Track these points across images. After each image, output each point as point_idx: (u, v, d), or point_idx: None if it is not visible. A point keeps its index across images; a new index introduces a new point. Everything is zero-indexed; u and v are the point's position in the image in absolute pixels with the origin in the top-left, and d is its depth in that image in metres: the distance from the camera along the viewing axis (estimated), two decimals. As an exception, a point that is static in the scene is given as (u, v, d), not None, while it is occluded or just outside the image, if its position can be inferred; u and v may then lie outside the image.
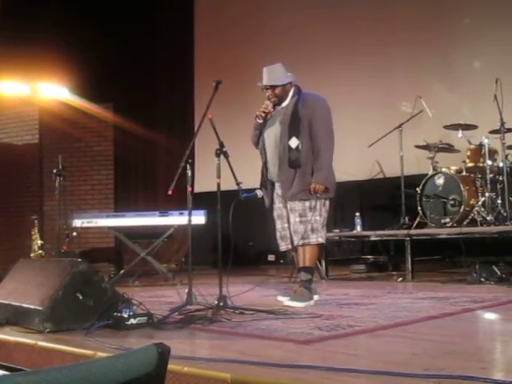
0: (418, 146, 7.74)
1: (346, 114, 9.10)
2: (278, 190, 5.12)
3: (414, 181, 7.63)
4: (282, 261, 7.53)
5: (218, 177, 4.56)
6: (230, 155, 4.62)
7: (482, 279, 6.28)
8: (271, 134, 5.09)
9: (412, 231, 7.14)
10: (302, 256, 5.01)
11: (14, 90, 9.99)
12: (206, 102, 4.69)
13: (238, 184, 4.60)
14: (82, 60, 9.83)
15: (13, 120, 10.83)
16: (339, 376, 2.49)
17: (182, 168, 4.44)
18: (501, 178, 6.96)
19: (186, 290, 4.54)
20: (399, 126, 7.88)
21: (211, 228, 5.85)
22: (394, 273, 7.81)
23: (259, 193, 4.97)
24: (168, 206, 8.03)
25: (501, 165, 7.00)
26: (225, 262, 4.51)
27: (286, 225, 5.10)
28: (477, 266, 6.45)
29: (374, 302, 4.92)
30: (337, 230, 7.99)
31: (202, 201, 7.10)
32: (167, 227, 7.57)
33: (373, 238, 7.64)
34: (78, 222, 7.66)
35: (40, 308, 3.87)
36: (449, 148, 7.62)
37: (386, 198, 8.92)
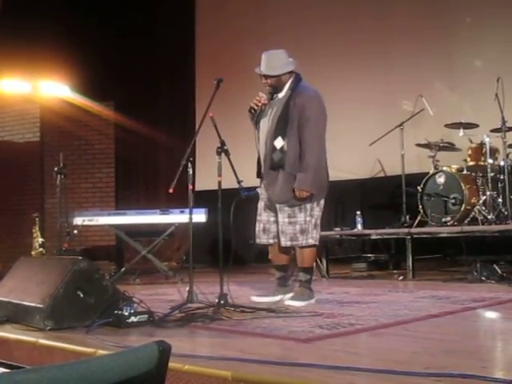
0: (419, 145, 7.74)
1: (347, 113, 9.11)
2: (264, 180, 4.97)
3: (414, 179, 7.63)
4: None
5: (219, 175, 4.55)
6: (231, 153, 4.61)
7: (483, 278, 6.28)
8: (264, 128, 4.91)
9: (413, 230, 7.14)
10: (299, 256, 4.96)
11: (15, 87, 9.99)
12: (207, 100, 4.68)
13: (238, 182, 4.59)
14: (83, 58, 9.82)
15: (14, 118, 10.82)
16: (340, 374, 2.49)
17: (183, 166, 4.44)
18: (502, 177, 6.96)
19: (187, 288, 4.55)
20: (400, 125, 7.87)
21: (212, 226, 5.85)
22: (395, 271, 7.80)
23: (259, 190, 4.93)
24: (169, 204, 8.03)
25: (502, 163, 6.99)
26: (225, 261, 4.51)
27: (272, 219, 4.94)
28: (478, 265, 6.45)
29: (374, 301, 4.92)
30: (338, 229, 8.00)
31: (203, 199, 7.11)
32: (168, 225, 7.57)
33: (374, 237, 7.63)
34: (78, 220, 7.66)
35: (41, 306, 3.88)
36: (450, 147, 7.61)
37: (386, 197, 8.91)
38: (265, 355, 2.89)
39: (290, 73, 4.91)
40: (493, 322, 4.23)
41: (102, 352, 3.03)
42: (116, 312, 3.89)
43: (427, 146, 7.58)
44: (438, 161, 7.49)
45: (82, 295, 3.97)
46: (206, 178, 8.96)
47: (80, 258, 4.26)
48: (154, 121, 10.44)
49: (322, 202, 4.94)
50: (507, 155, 6.94)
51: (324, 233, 7.69)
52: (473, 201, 6.99)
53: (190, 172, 4.56)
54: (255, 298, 4.96)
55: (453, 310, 4.27)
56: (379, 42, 9.08)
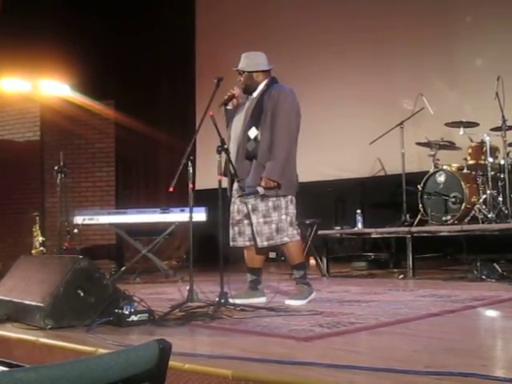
0: (419, 144, 7.74)
1: (347, 112, 9.12)
2: (235, 185, 4.92)
3: (415, 178, 7.63)
4: (283, 258, 7.53)
5: (219, 174, 4.55)
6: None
7: (483, 277, 6.28)
8: (237, 126, 4.92)
9: (413, 228, 7.14)
10: (287, 255, 4.95)
11: (16, 86, 9.99)
12: (207, 99, 4.68)
13: (239, 181, 4.59)
14: (83, 57, 9.83)
15: (14, 117, 10.82)
16: (340, 373, 2.49)
17: (184, 165, 4.43)
18: (502, 176, 6.96)
19: (187, 287, 4.54)
20: (400, 124, 7.87)
21: (212, 225, 5.85)
22: (395, 270, 7.81)
23: (260, 189, 4.91)
24: (169, 202, 8.04)
25: (502, 162, 7.00)
26: (226, 259, 4.51)
27: (246, 221, 4.89)
28: (478, 264, 6.45)
29: (375, 299, 4.92)
30: (338, 227, 8.00)
31: (203, 198, 7.11)
32: (168, 224, 7.58)
33: (374, 236, 7.63)
34: (79, 219, 7.66)
35: (41, 305, 3.88)
36: (450, 145, 7.61)
37: (387, 196, 8.92)
38: (265, 354, 2.89)
39: (265, 74, 4.96)
40: (493, 321, 4.23)
41: (102, 351, 3.03)
42: (116, 311, 3.89)
43: (427, 144, 7.58)
44: (438, 159, 7.50)
45: (82, 294, 3.98)
46: (206, 177, 8.96)
47: (80, 256, 4.26)
48: (155, 120, 10.45)
49: (294, 198, 4.90)
50: (507, 154, 6.95)
51: (324, 231, 7.74)
52: (473, 199, 7.00)
53: (191, 171, 4.55)
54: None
55: (453, 308, 4.27)
56: (379, 41, 9.08)
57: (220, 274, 4.43)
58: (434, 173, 7.33)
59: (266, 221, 4.77)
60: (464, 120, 7.31)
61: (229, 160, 4.55)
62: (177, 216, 7.47)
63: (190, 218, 4.65)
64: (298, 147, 4.94)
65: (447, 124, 7.46)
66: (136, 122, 9.85)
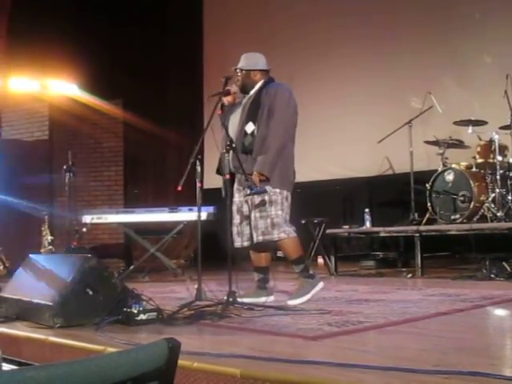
0: (427, 142, 7.72)
1: (355, 110, 9.11)
2: (236, 183, 4.96)
3: (423, 177, 7.61)
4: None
5: (228, 172, 4.55)
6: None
7: (492, 275, 6.26)
8: (234, 122, 4.93)
9: (422, 227, 7.13)
10: (283, 252, 4.93)
11: (24, 86, 10.02)
12: (215, 97, 4.68)
13: (247, 180, 4.59)
14: (91, 57, 9.85)
15: (23, 116, 10.85)
16: (348, 372, 2.48)
17: (192, 164, 4.43)
18: (511, 174, 6.94)
19: (196, 286, 4.55)
20: (409, 122, 7.86)
21: (220, 224, 5.86)
22: (404, 269, 7.79)
23: (268, 188, 4.90)
24: (177, 201, 8.05)
25: (511, 161, 6.97)
26: (234, 258, 4.51)
27: (245, 221, 4.90)
28: (487, 263, 6.43)
29: (383, 298, 4.92)
30: (346, 226, 7.99)
31: (212, 197, 7.10)
32: (176, 223, 7.59)
33: (382, 234, 7.62)
34: (87, 218, 7.68)
35: (50, 303, 3.89)
36: (459, 144, 7.59)
37: (395, 194, 8.90)
38: (273, 353, 2.89)
39: (263, 74, 4.98)
40: (502, 320, 4.22)
41: (111, 349, 3.03)
42: (125, 310, 3.90)
43: (436, 143, 7.56)
44: (446, 158, 7.48)
45: (91, 293, 3.98)
46: (214, 176, 8.95)
47: (89, 255, 4.27)
48: (163, 119, 10.46)
49: (289, 197, 4.87)
50: (516, 152, 6.93)
51: (332, 230, 7.73)
52: (482, 198, 6.98)
53: (199, 170, 4.55)
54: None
55: (462, 307, 4.26)
56: (387, 39, 9.06)
57: (228, 273, 4.43)
58: (443, 171, 7.31)
59: (262, 215, 4.75)
60: (472, 118, 7.29)
61: (237, 159, 4.55)
62: (185, 215, 7.48)
63: (199, 216, 4.66)
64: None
65: (456, 122, 7.44)
66: (144, 121, 9.87)
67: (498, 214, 6.80)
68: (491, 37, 8.18)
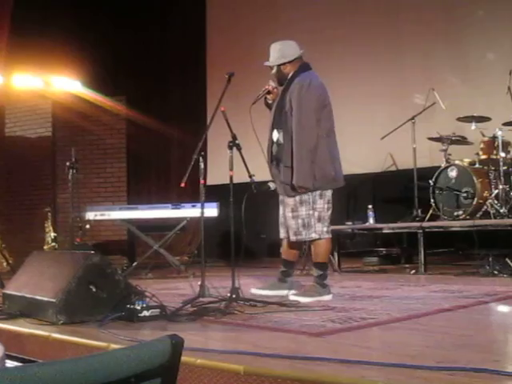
0: (430, 139, 7.71)
1: (358, 107, 9.09)
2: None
3: (426, 173, 7.60)
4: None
5: (231, 169, 4.55)
6: (243, 148, 4.61)
7: (495, 272, 6.26)
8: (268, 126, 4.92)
9: (425, 224, 7.12)
10: (312, 251, 4.91)
11: (27, 83, 10.02)
12: (218, 94, 4.68)
13: (250, 176, 4.59)
14: (94, 53, 9.85)
15: (26, 113, 10.86)
16: (352, 368, 2.49)
17: (195, 160, 4.44)
18: (514, 171, 6.93)
19: (199, 283, 4.55)
20: (412, 118, 7.84)
21: (224, 221, 5.86)
22: (407, 265, 7.79)
23: (272, 185, 4.89)
24: (181, 198, 8.06)
25: (514, 157, 6.97)
26: (237, 255, 4.51)
27: (286, 214, 4.89)
28: (490, 259, 6.43)
29: (386, 295, 4.92)
30: (349, 223, 7.98)
31: (215, 193, 7.11)
32: (180, 220, 7.59)
33: (385, 231, 7.62)
34: (90, 215, 7.69)
35: (53, 300, 3.89)
36: (462, 140, 7.58)
37: (398, 191, 8.89)
38: (277, 349, 2.90)
39: (292, 64, 4.84)
40: (505, 316, 4.22)
41: (114, 346, 3.04)
42: (128, 306, 3.91)
43: (439, 139, 7.55)
44: (449, 154, 7.47)
45: (94, 289, 3.99)
46: (217, 173, 8.96)
47: (92, 252, 4.28)
48: (166, 115, 10.46)
49: (328, 193, 4.81)
50: (520, 148, 6.91)
51: (336, 227, 7.71)
52: (485, 194, 6.97)
53: (202, 166, 4.56)
54: (254, 291, 4.95)
55: (465, 304, 4.26)
56: (391, 35, 9.05)
57: (231, 270, 4.44)
58: (446, 168, 7.30)
59: (294, 215, 4.76)
60: (476, 115, 7.27)
61: (241, 156, 4.55)
62: (188, 211, 7.48)
63: (202, 213, 4.66)
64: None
65: (459, 119, 7.42)
66: (147, 117, 9.87)
67: (501, 211, 6.79)
68: (495, 33, 8.16)
